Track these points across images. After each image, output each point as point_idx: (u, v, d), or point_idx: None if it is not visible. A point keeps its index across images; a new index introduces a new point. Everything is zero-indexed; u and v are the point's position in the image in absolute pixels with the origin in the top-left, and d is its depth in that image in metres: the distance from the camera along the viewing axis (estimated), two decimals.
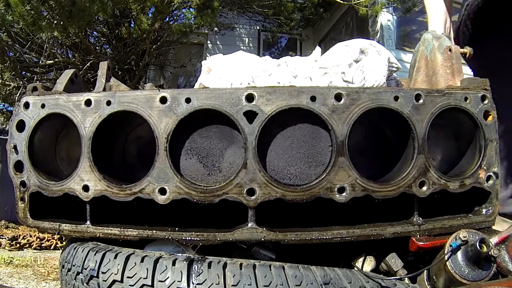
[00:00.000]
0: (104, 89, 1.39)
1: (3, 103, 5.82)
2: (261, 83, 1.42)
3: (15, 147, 1.14)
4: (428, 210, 1.12)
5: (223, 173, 1.21)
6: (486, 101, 1.11)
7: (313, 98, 1.05)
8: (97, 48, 6.02)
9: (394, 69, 1.50)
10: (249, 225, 1.04)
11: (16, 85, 4.91)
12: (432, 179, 1.07)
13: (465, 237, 0.97)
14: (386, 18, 6.71)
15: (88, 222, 1.12)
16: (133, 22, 5.23)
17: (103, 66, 1.45)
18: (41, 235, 3.70)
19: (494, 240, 1.01)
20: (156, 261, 0.94)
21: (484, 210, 1.14)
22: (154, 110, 1.07)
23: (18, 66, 4.77)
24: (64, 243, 3.44)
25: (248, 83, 1.41)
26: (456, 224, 1.11)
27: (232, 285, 0.88)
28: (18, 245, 3.52)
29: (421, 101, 1.07)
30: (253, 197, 1.03)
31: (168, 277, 0.90)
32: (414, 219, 1.09)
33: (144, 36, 5.06)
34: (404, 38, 7.27)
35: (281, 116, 1.06)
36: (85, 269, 1.00)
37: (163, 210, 1.08)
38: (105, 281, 0.95)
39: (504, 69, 1.68)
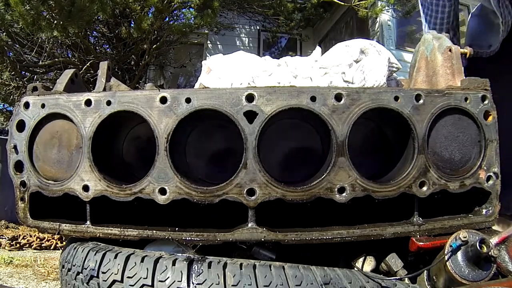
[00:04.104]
0: (104, 89, 1.39)
1: (3, 103, 5.82)
2: (261, 83, 1.42)
3: (15, 147, 1.14)
4: (428, 210, 1.12)
5: (222, 173, 1.21)
6: (486, 101, 1.11)
7: (313, 98, 1.05)
8: (97, 48, 6.02)
9: (394, 69, 1.50)
10: (249, 225, 1.04)
11: (16, 85, 4.90)
12: (432, 179, 1.07)
13: (465, 237, 0.97)
14: (386, 18, 6.71)
15: (88, 222, 1.12)
16: (133, 22, 5.22)
17: (103, 66, 1.45)
18: (41, 235, 3.70)
19: (494, 240, 1.01)
20: (156, 261, 0.94)
21: (484, 211, 1.14)
22: (154, 110, 1.07)
23: (18, 66, 4.76)
24: (64, 243, 3.44)
25: (248, 83, 1.41)
26: (456, 224, 1.11)
27: (232, 285, 0.88)
28: (18, 245, 3.52)
29: (421, 101, 1.07)
30: (253, 197, 1.03)
31: (168, 277, 0.90)
32: (414, 219, 1.09)
33: (144, 36, 5.06)
34: (404, 38, 7.27)
35: (281, 116, 1.06)
36: (85, 269, 1.00)
37: (163, 210, 1.08)
38: (105, 281, 0.95)
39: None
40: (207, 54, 7.57)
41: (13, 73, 4.72)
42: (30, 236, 3.70)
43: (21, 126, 1.15)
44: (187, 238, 1.06)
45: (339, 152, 1.04)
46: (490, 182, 1.11)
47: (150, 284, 0.91)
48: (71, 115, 1.11)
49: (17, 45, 4.91)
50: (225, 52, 1.71)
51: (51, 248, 3.58)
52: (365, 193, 1.05)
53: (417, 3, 1.89)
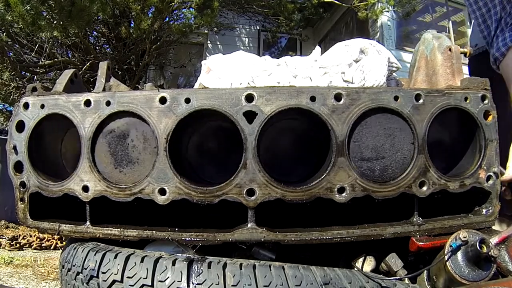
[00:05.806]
0: (104, 89, 1.39)
1: (3, 103, 5.82)
2: (261, 83, 1.42)
3: (14, 147, 1.14)
4: (428, 210, 1.12)
5: (222, 173, 1.21)
6: (486, 101, 1.11)
7: (313, 98, 1.05)
8: (97, 48, 6.02)
9: (394, 69, 1.50)
10: (249, 225, 1.04)
11: (16, 85, 4.90)
12: (432, 179, 1.07)
13: (465, 237, 0.97)
14: (386, 18, 6.71)
15: (88, 223, 1.12)
16: (133, 22, 5.22)
17: (103, 66, 1.45)
18: (41, 235, 3.70)
19: (494, 240, 1.01)
20: (156, 261, 0.94)
21: (484, 210, 1.14)
22: (153, 110, 1.07)
23: (18, 66, 4.77)
24: (64, 243, 3.44)
25: (248, 83, 1.41)
26: (456, 224, 1.11)
27: (232, 285, 0.88)
28: (18, 245, 3.53)
29: (421, 101, 1.07)
30: (253, 198, 1.03)
31: (168, 277, 0.90)
32: (414, 219, 1.09)
33: (144, 36, 5.06)
34: (404, 38, 7.27)
35: (281, 116, 1.06)
36: (85, 269, 1.00)
37: (163, 210, 1.08)
38: (105, 281, 0.95)
39: None
40: (207, 54, 7.58)
41: (13, 73, 4.72)
42: (30, 236, 3.70)
43: (20, 126, 1.15)
44: (187, 238, 1.06)
45: (339, 152, 1.04)
46: (490, 182, 1.11)
47: (150, 284, 0.91)
48: (70, 116, 1.11)
49: (17, 45, 4.92)
50: (225, 52, 1.71)
51: (51, 248, 3.59)
52: (364, 193, 1.05)
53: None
